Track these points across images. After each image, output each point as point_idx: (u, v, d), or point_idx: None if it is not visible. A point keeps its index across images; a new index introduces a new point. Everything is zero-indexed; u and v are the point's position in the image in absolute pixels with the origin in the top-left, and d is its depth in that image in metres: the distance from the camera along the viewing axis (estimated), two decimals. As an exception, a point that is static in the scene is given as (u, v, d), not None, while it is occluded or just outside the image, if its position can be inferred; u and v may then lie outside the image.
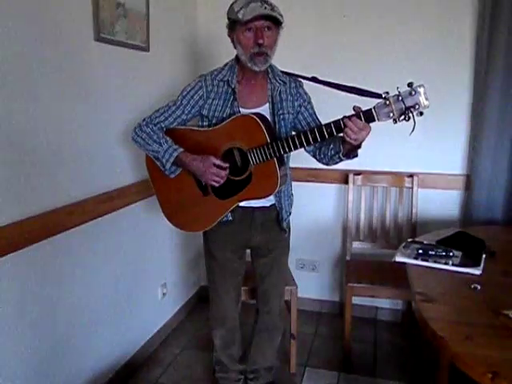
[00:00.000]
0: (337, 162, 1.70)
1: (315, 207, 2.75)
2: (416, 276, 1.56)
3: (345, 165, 2.57)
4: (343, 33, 2.55)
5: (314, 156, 1.78)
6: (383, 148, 2.57)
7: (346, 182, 2.59)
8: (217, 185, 1.63)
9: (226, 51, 1.74)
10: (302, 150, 1.72)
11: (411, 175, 2.52)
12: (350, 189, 2.57)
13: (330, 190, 2.72)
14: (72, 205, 1.74)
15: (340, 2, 2.53)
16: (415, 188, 2.50)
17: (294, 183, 2.61)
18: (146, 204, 2.25)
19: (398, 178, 2.54)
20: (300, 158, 1.86)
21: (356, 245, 2.59)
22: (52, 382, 1.73)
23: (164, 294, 2.54)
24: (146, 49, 2.20)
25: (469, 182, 2.45)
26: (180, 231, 2.58)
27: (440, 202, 2.55)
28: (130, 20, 2.04)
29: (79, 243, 1.82)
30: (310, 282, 2.83)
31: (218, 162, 1.61)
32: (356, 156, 1.64)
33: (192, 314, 2.85)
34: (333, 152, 1.65)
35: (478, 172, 2.38)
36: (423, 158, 2.54)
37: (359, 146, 1.57)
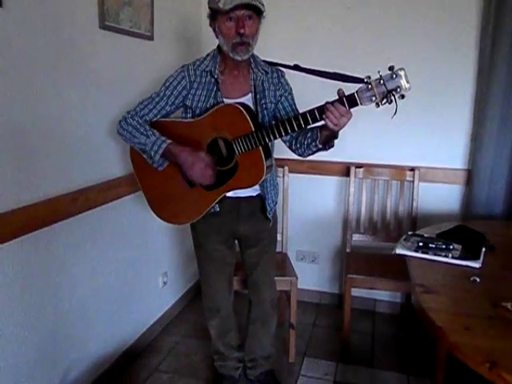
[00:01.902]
0: (313, 152, 1.68)
1: (316, 199, 2.76)
2: (416, 268, 1.57)
3: (346, 157, 2.62)
4: (347, 25, 2.55)
5: (290, 146, 1.78)
6: (385, 141, 2.59)
7: (348, 174, 2.60)
8: (205, 182, 1.61)
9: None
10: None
11: (412, 169, 2.52)
12: (352, 181, 2.58)
13: (332, 182, 2.73)
14: (76, 192, 1.76)
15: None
16: (416, 182, 2.51)
17: (295, 175, 2.65)
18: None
19: (399, 171, 2.55)
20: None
21: (356, 237, 2.60)
22: (54, 368, 1.75)
23: (165, 283, 2.56)
24: (151, 38, 2.20)
25: (470, 177, 2.46)
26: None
27: (440, 196, 2.56)
28: (134, 8, 2.03)
29: (83, 230, 1.84)
30: (310, 274, 2.85)
31: (206, 156, 1.59)
32: (332, 146, 1.64)
33: (192, 304, 2.87)
34: (309, 140, 1.63)
35: (479, 167, 2.39)
36: (425, 152, 2.55)
37: (336, 136, 1.57)
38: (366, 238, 2.60)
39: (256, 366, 2.05)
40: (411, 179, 2.53)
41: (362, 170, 2.58)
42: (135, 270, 2.26)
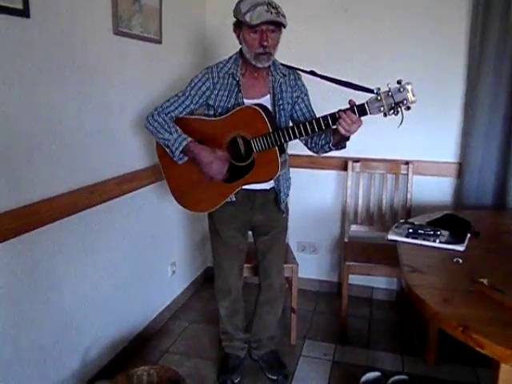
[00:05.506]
0: (326, 152, 1.87)
1: (315, 193, 2.91)
2: (405, 252, 1.72)
3: (344, 152, 2.70)
4: (343, 28, 2.69)
5: (306, 144, 1.94)
6: (381, 137, 2.72)
7: (345, 168, 2.75)
8: (220, 177, 1.79)
9: (232, 43, 1.85)
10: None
11: (407, 163, 2.67)
12: (349, 175, 2.73)
13: (330, 176, 2.88)
14: (94, 185, 1.91)
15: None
16: (410, 175, 2.66)
17: (295, 169, 2.78)
18: (158, 187, 2.41)
19: (394, 165, 2.69)
20: (301, 146, 2.00)
21: (354, 228, 2.75)
22: (72, 351, 1.90)
23: (173, 272, 2.72)
24: (159, 41, 2.35)
25: (460, 170, 2.61)
26: (188, 214, 2.75)
27: (433, 188, 2.70)
28: (144, 14, 2.19)
29: (100, 220, 1.99)
30: (310, 263, 3.00)
31: (221, 152, 1.77)
32: (344, 147, 1.81)
33: (199, 292, 3.03)
34: (323, 142, 1.81)
35: (469, 160, 2.53)
36: (418, 147, 2.69)
37: (348, 139, 1.73)
38: (363, 228, 2.75)
39: (261, 346, 2.21)
40: (405, 172, 2.67)
41: (359, 164, 2.73)
42: (146, 259, 2.41)
